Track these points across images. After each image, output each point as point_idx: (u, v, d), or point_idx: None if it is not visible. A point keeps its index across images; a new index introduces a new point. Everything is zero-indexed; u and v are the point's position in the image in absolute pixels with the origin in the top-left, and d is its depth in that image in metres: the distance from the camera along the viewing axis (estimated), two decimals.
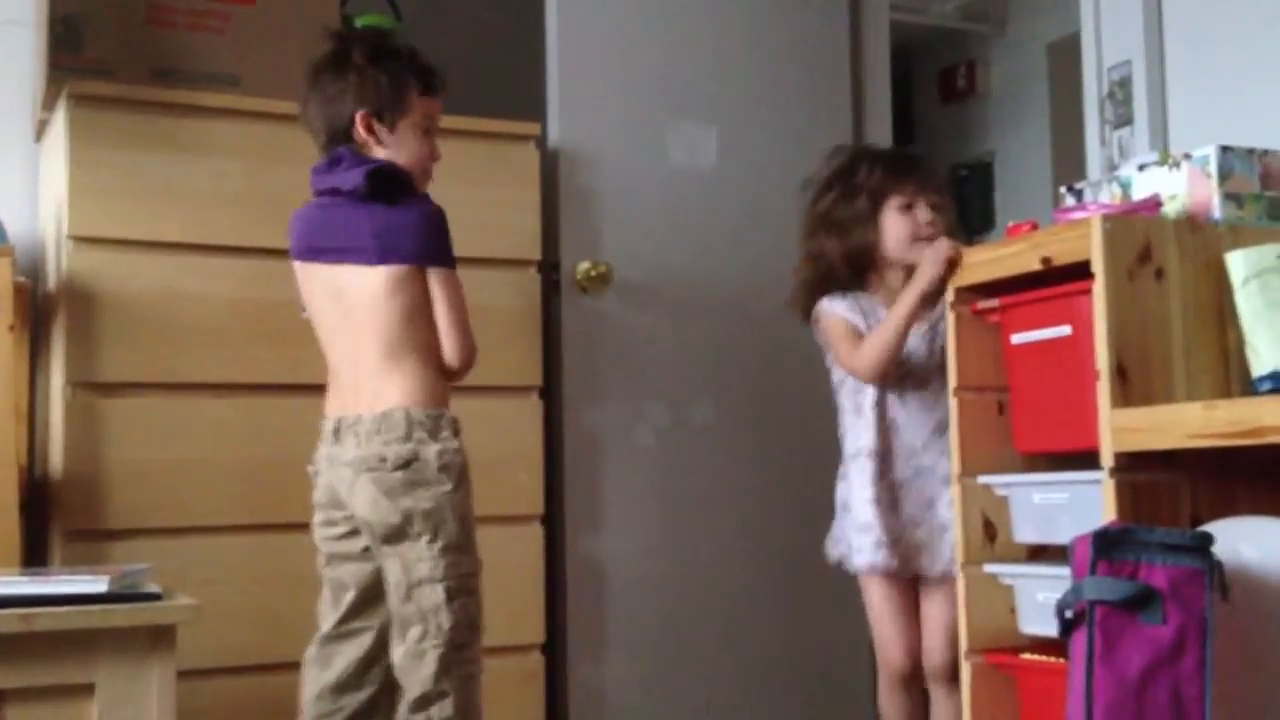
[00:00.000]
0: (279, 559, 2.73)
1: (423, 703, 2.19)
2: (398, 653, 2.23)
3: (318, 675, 2.30)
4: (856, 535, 2.61)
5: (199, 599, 2.07)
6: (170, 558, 2.53)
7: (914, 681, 2.67)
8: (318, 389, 2.81)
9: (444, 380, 2.31)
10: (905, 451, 2.61)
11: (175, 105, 2.74)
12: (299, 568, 2.75)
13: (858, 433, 2.65)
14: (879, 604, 2.67)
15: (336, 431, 2.28)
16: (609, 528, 3.15)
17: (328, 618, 2.32)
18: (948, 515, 2.53)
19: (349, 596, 2.30)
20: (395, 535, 2.21)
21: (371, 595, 2.30)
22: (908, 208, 2.63)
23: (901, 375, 2.60)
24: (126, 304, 2.66)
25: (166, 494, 2.66)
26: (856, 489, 2.62)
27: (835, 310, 2.66)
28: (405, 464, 2.21)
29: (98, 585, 1.99)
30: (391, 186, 2.28)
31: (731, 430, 3.31)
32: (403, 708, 2.22)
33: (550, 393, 3.07)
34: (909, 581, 2.65)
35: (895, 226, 2.63)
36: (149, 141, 2.71)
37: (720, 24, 3.42)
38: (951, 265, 2.44)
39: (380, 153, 2.32)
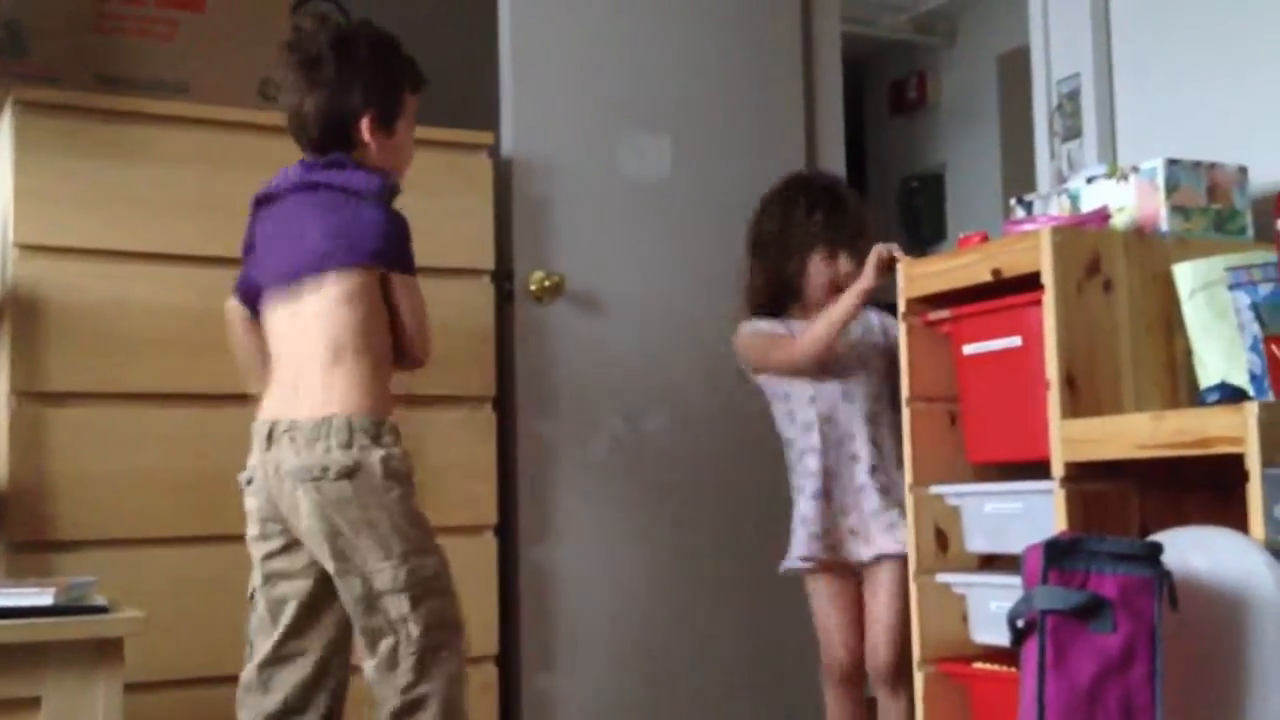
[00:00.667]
0: (227, 570, 2.69)
1: (401, 713, 2.11)
2: (369, 666, 2.15)
3: (259, 701, 2.20)
4: (795, 530, 2.70)
5: (146, 611, 2.05)
6: (118, 570, 2.49)
7: (856, 680, 2.73)
8: None
9: (387, 385, 2.23)
10: (836, 441, 2.70)
11: (122, 112, 2.71)
12: (248, 580, 2.73)
13: (795, 435, 2.74)
14: (821, 602, 2.75)
15: (270, 436, 2.18)
16: (563, 538, 3.13)
17: (263, 640, 2.21)
18: (876, 501, 2.63)
19: (286, 617, 2.20)
20: (347, 549, 2.13)
21: (311, 615, 2.21)
22: (832, 256, 2.74)
23: (824, 369, 2.70)
24: (73, 312, 2.63)
25: (114, 505, 2.62)
26: (801, 489, 2.71)
27: (755, 325, 2.79)
28: (349, 474, 2.11)
29: (44, 598, 1.97)
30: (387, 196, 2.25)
31: (685, 439, 3.31)
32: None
33: (504, 403, 3.06)
34: (853, 578, 2.70)
35: (818, 274, 2.75)
36: (96, 149, 2.68)
37: (674, 34, 3.43)
38: (889, 267, 2.54)
39: (377, 157, 2.25)
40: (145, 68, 2.79)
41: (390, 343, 2.26)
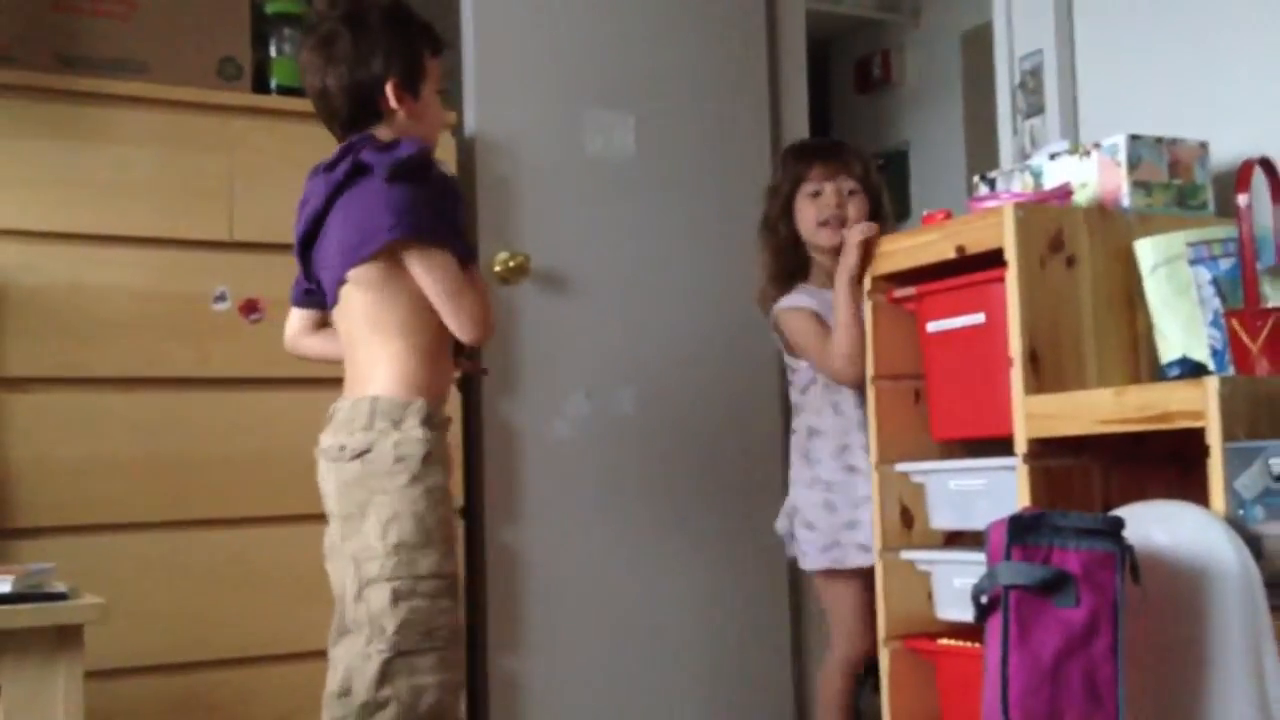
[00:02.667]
0: (189, 556, 2.69)
1: (365, 711, 2.03)
2: (351, 653, 2.08)
3: (330, 677, 2.13)
4: (803, 533, 2.65)
5: (107, 598, 2.03)
6: (78, 556, 2.48)
7: (858, 668, 2.71)
8: (229, 383, 2.78)
9: (431, 366, 2.14)
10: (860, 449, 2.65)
11: (80, 93, 2.68)
12: (210, 565, 2.71)
13: (829, 429, 2.65)
14: (838, 601, 2.68)
15: (331, 419, 2.16)
16: (529, 520, 3.13)
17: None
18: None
19: (339, 592, 2.14)
20: (349, 531, 2.08)
21: None
22: (816, 194, 2.68)
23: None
24: (31, 296, 2.60)
25: (73, 491, 2.60)
26: (803, 488, 2.66)
27: (797, 303, 2.68)
28: (360, 454, 2.07)
29: (1, 585, 1.94)
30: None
31: (651, 420, 3.30)
32: (347, 710, 2.07)
33: (469, 384, 3.05)
34: (864, 574, 2.67)
35: (803, 213, 2.69)
36: (54, 130, 2.65)
37: (637, 12, 3.41)
38: (867, 247, 2.49)
39: (407, 124, 2.19)
40: (104, 48, 2.76)
41: (438, 321, 2.15)
